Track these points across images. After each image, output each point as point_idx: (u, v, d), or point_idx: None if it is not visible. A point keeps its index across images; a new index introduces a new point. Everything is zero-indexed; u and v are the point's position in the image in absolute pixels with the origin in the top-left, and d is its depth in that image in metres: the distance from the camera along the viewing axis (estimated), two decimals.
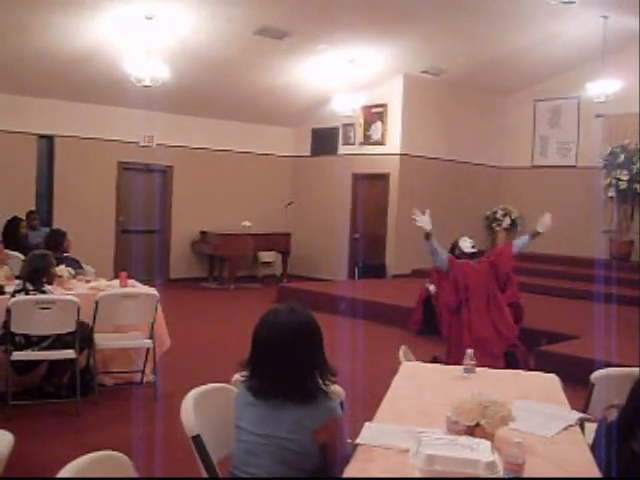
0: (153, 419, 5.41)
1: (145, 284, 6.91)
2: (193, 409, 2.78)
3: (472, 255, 7.75)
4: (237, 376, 2.92)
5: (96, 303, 5.74)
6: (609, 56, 11.43)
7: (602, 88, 11.40)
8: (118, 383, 6.34)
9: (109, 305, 5.84)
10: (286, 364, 2.63)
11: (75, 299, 5.55)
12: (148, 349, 6.26)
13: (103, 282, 6.71)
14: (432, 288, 9.28)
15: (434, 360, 6.93)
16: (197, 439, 2.69)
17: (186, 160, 13.83)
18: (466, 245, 8.01)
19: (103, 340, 5.94)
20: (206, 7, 9.48)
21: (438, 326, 9.05)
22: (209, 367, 6.78)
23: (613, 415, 3.26)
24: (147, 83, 9.73)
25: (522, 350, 7.30)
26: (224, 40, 10.61)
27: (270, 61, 11.82)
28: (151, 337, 6.15)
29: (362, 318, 9.75)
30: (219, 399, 3.02)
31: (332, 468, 2.65)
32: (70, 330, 5.53)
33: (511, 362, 6.89)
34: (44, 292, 5.59)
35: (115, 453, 2.33)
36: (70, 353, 5.55)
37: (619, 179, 12.41)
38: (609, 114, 13.01)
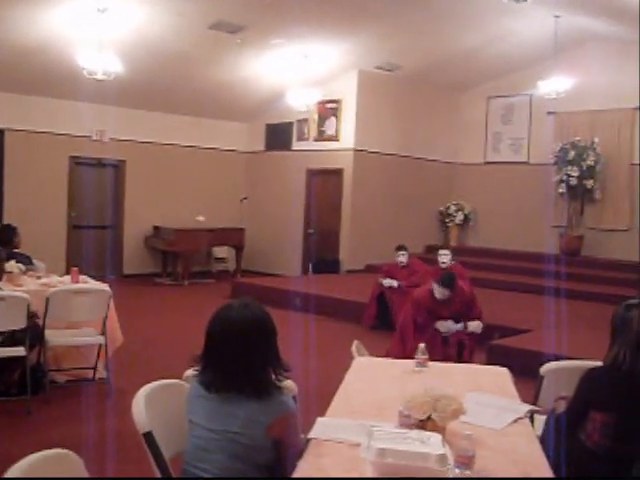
0: (105, 416, 5.35)
1: (97, 280, 6.83)
2: (144, 405, 2.75)
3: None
4: (190, 372, 2.91)
5: (47, 299, 5.65)
6: (561, 54, 11.62)
7: (554, 86, 11.58)
8: (70, 380, 6.26)
9: (61, 301, 5.75)
10: (239, 358, 2.63)
11: (25, 295, 5.45)
12: (100, 345, 6.20)
13: (54, 278, 6.61)
14: (386, 282, 9.37)
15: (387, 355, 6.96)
16: (148, 435, 2.66)
17: (139, 155, 13.70)
18: (441, 260, 8.72)
19: (55, 337, 5.84)
20: (160, 0, 9.39)
21: (391, 321, 9.13)
22: (162, 363, 6.73)
23: (562, 407, 3.32)
24: (99, 77, 9.60)
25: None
26: (178, 34, 10.52)
27: (225, 55, 11.76)
28: (103, 333, 6.09)
29: (316, 313, 9.77)
30: (171, 395, 3.00)
31: (285, 462, 2.66)
32: (20, 327, 5.44)
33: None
34: None
35: (65, 451, 2.29)
36: (20, 350, 5.45)
37: (570, 175, 12.61)
38: (560, 111, 13.23)
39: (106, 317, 6.06)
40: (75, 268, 6.77)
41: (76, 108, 12.33)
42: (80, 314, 6.02)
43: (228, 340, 2.65)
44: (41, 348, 5.78)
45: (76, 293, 5.96)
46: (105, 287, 6.17)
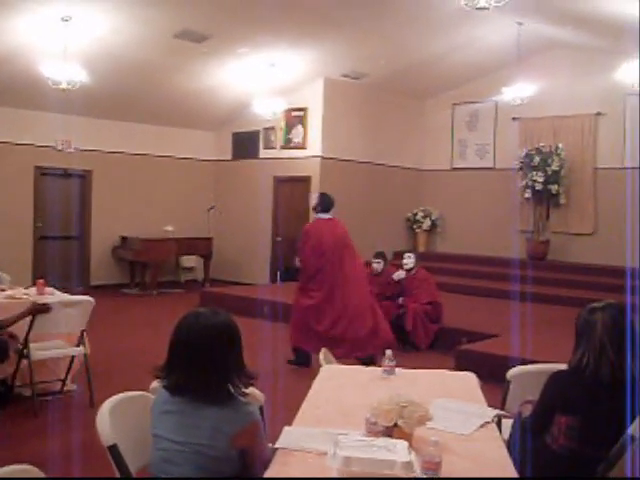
0: (72, 429, 5.28)
1: (64, 291, 6.76)
2: (109, 418, 2.73)
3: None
4: (155, 384, 2.89)
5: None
6: (524, 61, 11.74)
7: (517, 92, 11.69)
8: (38, 394, 6.18)
9: (49, 313, 5.70)
10: (204, 364, 2.63)
11: None
12: (73, 357, 6.16)
13: (19, 290, 6.53)
14: None
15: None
16: (113, 449, 2.65)
17: (105, 164, 13.60)
18: (404, 262, 9.34)
19: (36, 350, 5.78)
20: (124, 9, 9.32)
21: None
22: (130, 375, 6.67)
23: (528, 411, 3.35)
24: (64, 86, 9.53)
25: None
26: (143, 43, 10.47)
27: (191, 65, 11.72)
28: (79, 344, 6.06)
29: (284, 321, 9.75)
30: (137, 407, 2.98)
31: (252, 473, 2.65)
32: None
33: None
34: None
35: (26, 467, 2.27)
36: None
37: (535, 180, 12.73)
38: (524, 117, 13.37)
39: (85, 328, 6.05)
40: (41, 280, 6.70)
41: (41, 118, 12.23)
42: (67, 326, 5.98)
43: (194, 345, 2.65)
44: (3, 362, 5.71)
45: (65, 305, 5.91)
46: (90, 298, 6.11)
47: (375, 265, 9.33)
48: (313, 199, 8.10)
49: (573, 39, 11.73)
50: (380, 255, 9.42)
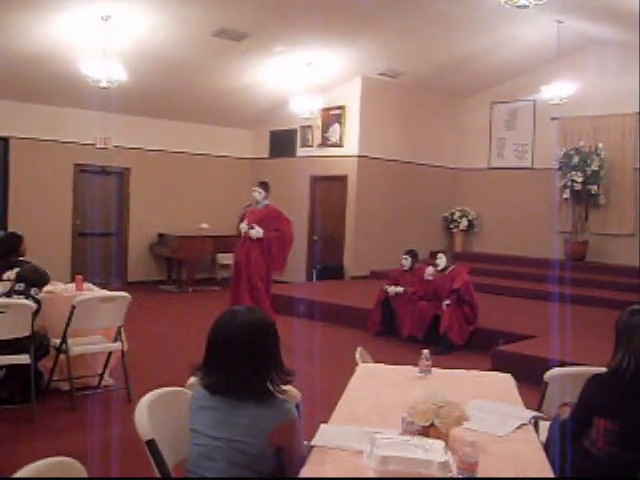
0: (110, 424, 5.34)
1: (102, 287, 6.85)
2: (147, 413, 2.74)
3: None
4: (193, 379, 2.90)
5: (72, 307, 5.68)
6: (563, 60, 11.62)
7: (557, 91, 11.57)
8: (76, 388, 6.26)
9: (87, 309, 5.79)
10: (242, 362, 2.63)
11: (29, 303, 5.47)
12: (110, 353, 6.24)
13: (59, 286, 6.61)
14: (391, 290, 9.35)
15: None
16: (151, 443, 2.66)
17: (143, 162, 13.72)
18: (437, 262, 9.32)
19: (75, 345, 5.86)
20: (164, 8, 9.41)
21: (396, 327, 9.19)
22: (167, 370, 6.73)
23: (566, 413, 3.31)
24: (104, 84, 9.62)
25: None
26: (182, 41, 10.54)
27: (228, 63, 11.78)
28: (116, 340, 6.13)
29: (320, 320, 9.78)
30: (175, 403, 2.99)
31: (288, 470, 2.66)
32: (25, 335, 5.45)
33: None
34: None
35: (67, 459, 2.28)
36: (25, 358, 5.46)
37: (574, 180, 12.59)
38: (563, 117, 13.22)
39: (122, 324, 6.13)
40: (79, 276, 6.78)
41: (80, 116, 12.39)
42: (104, 321, 6.08)
43: (232, 344, 2.65)
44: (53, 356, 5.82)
45: (102, 301, 6.00)
46: (125, 294, 6.18)
47: (403, 261, 9.51)
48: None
49: (613, 37, 11.57)
50: (409, 252, 9.57)
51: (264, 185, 8.77)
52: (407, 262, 9.49)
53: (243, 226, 8.48)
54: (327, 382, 5.59)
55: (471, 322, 8.85)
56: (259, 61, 11.84)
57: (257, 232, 8.34)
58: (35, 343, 5.55)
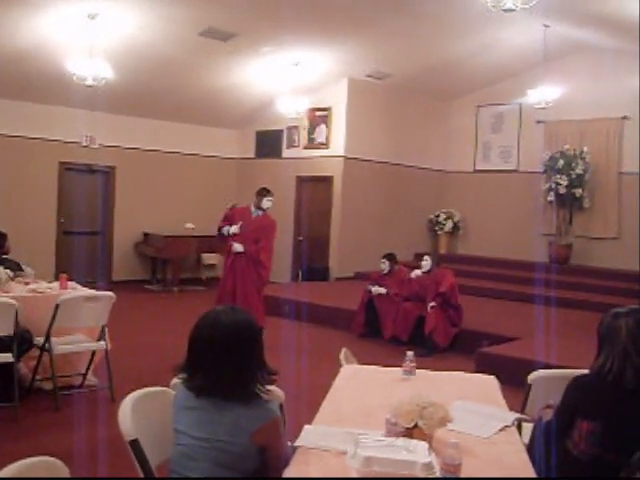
0: (94, 424, 5.31)
1: (87, 286, 6.80)
2: (131, 413, 2.74)
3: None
4: (176, 380, 2.89)
5: (56, 306, 5.66)
6: (550, 63, 11.66)
7: (543, 95, 11.63)
8: (60, 387, 6.22)
9: (71, 308, 5.76)
10: (227, 363, 2.62)
11: (12, 301, 5.43)
12: (93, 352, 6.22)
13: (43, 284, 6.58)
14: (374, 289, 9.39)
15: None
16: (135, 443, 2.65)
17: (129, 161, 13.68)
18: (422, 264, 9.34)
19: (59, 344, 5.83)
20: (150, 7, 9.38)
21: (380, 328, 9.22)
22: (151, 370, 6.72)
23: (549, 415, 3.32)
24: (89, 82, 9.58)
25: None
26: (169, 40, 10.52)
27: (215, 63, 11.76)
28: (101, 339, 6.11)
29: (305, 321, 9.77)
30: (158, 402, 2.99)
31: (272, 470, 2.66)
32: (8, 333, 5.41)
33: None
34: None
35: (50, 459, 2.27)
36: (7, 357, 5.43)
37: (558, 184, 12.66)
38: (549, 120, 13.29)
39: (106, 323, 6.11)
40: (64, 274, 6.75)
41: (66, 114, 12.33)
42: (89, 320, 6.05)
43: (217, 344, 2.64)
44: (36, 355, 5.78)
45: (86, 300, 5.97)
46: (110, 293, 6.16)
47: (381, 265, 9.69)
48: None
49: (599, 42, 11.65)
50: (386, 256, 9.70)
51: (272, 194, 8.83)
52: (385, 266, 9.61)
53: (237, 246, 8.41)
54: (311, 383, 5.58)
55: (456, 324, 8.88)
56: (246, 61, 11.82)
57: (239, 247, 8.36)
58: (17, 338, 5.51)
